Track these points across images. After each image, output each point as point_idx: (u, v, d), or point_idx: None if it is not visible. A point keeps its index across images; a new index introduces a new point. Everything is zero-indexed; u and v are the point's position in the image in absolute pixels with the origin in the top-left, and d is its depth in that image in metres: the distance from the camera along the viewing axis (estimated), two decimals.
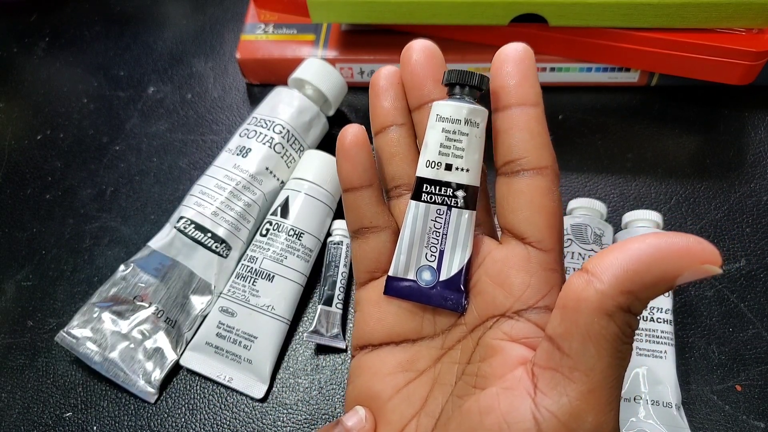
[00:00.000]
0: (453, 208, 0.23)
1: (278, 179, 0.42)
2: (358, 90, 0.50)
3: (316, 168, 0.41)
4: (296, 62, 0.46)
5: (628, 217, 0.39)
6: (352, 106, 0.49)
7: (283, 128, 0.42)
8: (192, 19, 0.56)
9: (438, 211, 0.24)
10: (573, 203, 0.40)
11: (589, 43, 0.44)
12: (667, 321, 0.36)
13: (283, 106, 0.43)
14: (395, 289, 0.25)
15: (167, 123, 0.50)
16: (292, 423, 0.36)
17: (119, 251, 0.43)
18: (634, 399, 0.33)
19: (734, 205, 0.42)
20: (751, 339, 0.37)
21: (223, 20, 0.56)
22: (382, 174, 0.26)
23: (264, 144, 0.41)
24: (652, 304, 0.36)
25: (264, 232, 0.39)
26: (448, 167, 0.23)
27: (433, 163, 0.23)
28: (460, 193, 0.23)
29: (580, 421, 0.19)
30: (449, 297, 0.24)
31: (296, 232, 0.39)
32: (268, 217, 0.40)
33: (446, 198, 0.23)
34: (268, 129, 0.42)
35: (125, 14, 0.57)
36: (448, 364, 0.24)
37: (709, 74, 0.43)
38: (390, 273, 0.25)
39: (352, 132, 0.25)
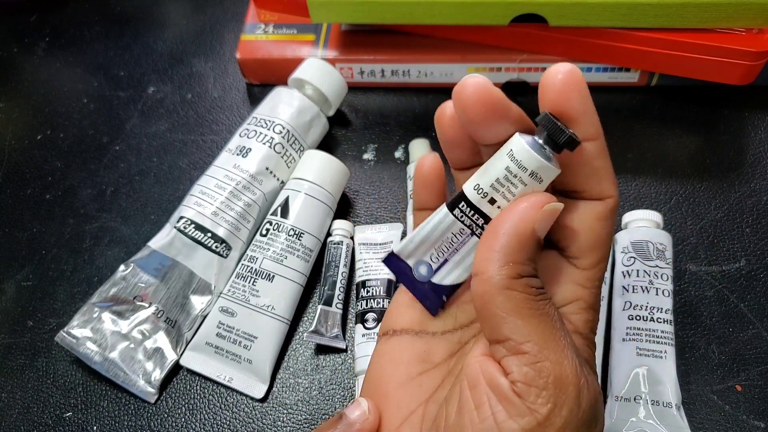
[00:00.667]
0: (474, 236, 0.24)
1: (278, 179, 0.42)
2: (358, 90, 0.50)
3: (316, 168, 0.41)
4: (296, 62, 0.46)
5: (629, 216, 0.39)
6: (352, 106, 0.49)
7: (283, 128, 0.42)
8: (192, 19, 0.56)
9: (461, 231, 0.24)
10: None
11: (589, 43, 0.44)
12: (667, 321, 0.36)
13: (283, 106, 0.43)
14: (392, 263, 0.26)
15: (167, 123, 0.50)
16: (292, 423, 0.36)
17: (119, 251, 0.43)
18: (635, 399, 0.34)
19: (734, 205, 0.42)
20: (751, 339, 0.37)
21: (223, 20, 0.56)
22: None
23: (264, 144, 0.41)
24: (652, 304, 0.36)
25: (264, 232, 0.39)
26: (492, 201, 0.23)
27: (481, 191, 0.23)
28: (482, 223, 0.24)
29: (544, 373, 0.20)
30: (429, 297, 0.25)
31: (296, 232, 0.39)
32: (268, 217, 0.40)
33: (474, 225, 0.24)
34: (268, 129, 0.42)
35: (125, 14, 0.57)
36: (461, 358, 0.25)
37: (709, 74, 0.43)
38: (394, 250, 0.26)
39: (429, 163, 0.27)
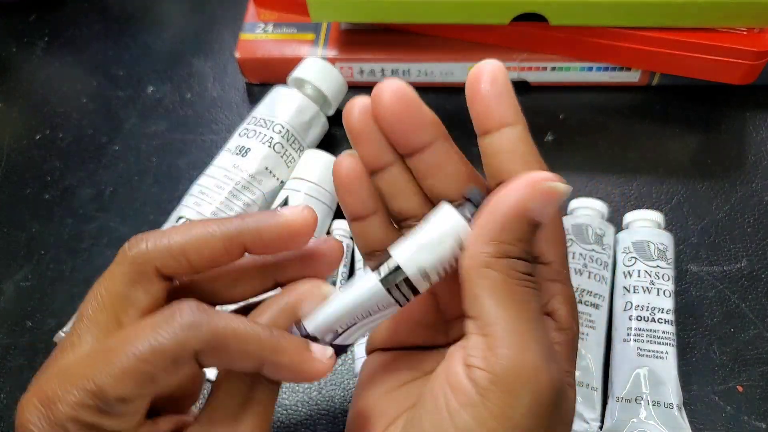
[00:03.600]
0: (397, 305, 0.22)
1: (278, 179, 0.42)
2: (358, 89, 0.49)
3: (316, 168, 0.41)
4: (296, 61, 0.46)
5: (630, 217, 0.39)
6: None
7: (283, 128, 0.42)
8: (191, 19, 0.56)
9: (388, 304, 0.22)
10: (574, 203, 0.40)
11: (590, 43, 0.44)
12: (668, 321, 0.35)
13: (283, 106, 0.43)
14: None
15: (166, 123, 0.50)
16: (292, 423, 0.36)
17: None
18: (636, 400, 0.33)
19: (735, 205, 0.42)
20: (753, 339, 0.37)
21: (222, 19, 0.56)
22: (389, 208, 0.25)
23: (263, 143, 0.41)
24: (653, 304, 0.36)
25: None
26: (426, 277, 0.22)
27: (425, 274, 0.22)
28: (412, 298, 0.22)
29: (501, 361, 0.20)
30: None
31: None
32: None
33: (404, 299, 0.22)
34: (268, 128, 0.42)
35: (124, 14, 0.57)
36: None
37: (711, 74, 0.43)
38: (309, 329, 0.23)
39: (346, 165, 0.24)
